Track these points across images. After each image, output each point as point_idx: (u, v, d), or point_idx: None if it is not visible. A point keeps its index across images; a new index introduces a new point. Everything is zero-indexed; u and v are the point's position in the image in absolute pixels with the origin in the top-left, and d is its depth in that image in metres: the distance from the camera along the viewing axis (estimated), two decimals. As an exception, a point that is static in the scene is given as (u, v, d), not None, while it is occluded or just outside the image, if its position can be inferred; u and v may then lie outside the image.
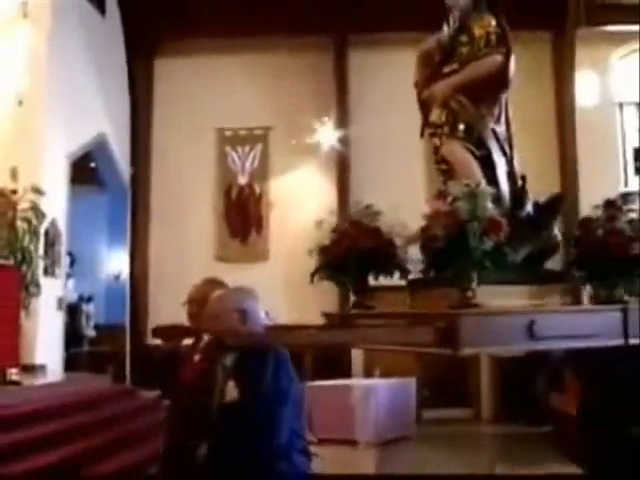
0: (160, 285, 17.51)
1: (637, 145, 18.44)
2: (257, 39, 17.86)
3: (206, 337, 5.03)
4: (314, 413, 13.24)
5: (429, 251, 5.37)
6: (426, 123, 6.80)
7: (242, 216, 18.23)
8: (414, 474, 9.39)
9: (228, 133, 18.54)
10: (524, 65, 17.46)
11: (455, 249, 5.08)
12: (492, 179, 6.19)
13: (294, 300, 15.46)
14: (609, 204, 6.05)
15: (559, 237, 6.16)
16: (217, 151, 18.50)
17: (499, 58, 6.47)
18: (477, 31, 6.53)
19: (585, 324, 5.42)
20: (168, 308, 16.26)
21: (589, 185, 16.93)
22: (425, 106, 6.83)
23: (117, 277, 18.24)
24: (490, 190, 5.54)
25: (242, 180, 18.43)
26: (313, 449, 4.59)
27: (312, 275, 6.52)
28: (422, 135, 6.88)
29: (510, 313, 5.27)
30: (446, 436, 13.55)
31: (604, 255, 5.73)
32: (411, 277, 6.48)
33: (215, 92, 18.12)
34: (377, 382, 14.32)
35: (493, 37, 6.47)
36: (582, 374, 7.49)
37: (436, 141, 6.59)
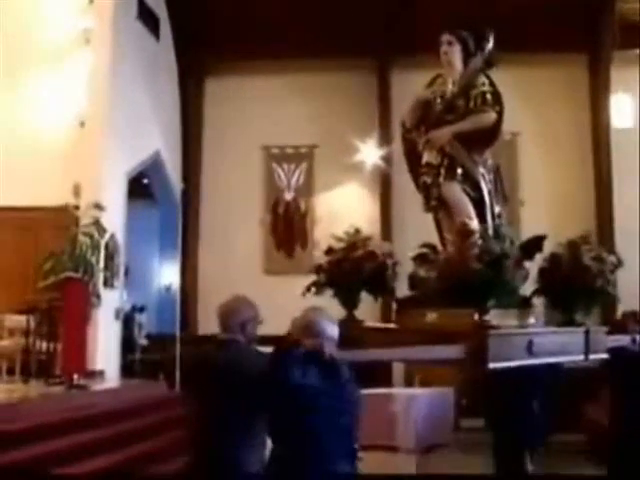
0: (209, 296, 18.12)
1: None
2: (303, 60, 18.56)
3: None
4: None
5: (456, 280, 6.08)
6: (413, 160, 7.67)
7: (288, 231, 18.93)
8: (450, 474, 9.93)
9: (275, 151, 19.25)
10: (561, 86, 18.26)
11: (491, 281, 5.85)
12: (482, 217, 7.07)
13: (337, 313, 16.01)
14: (572, 244, 6.96)
15: (528, 270, 6.92)
16: (264, 168, 19.21)
17: (494, 115, 7.29)
18: (473, 89, 7.35)
19: (563, 342, 6.55)
20: (216, 318, 16.95)
21: (623, 204, 17.46)
22: (410, 144, 7.76)
23: (168, 288, 18.95)
24: (510, 232, 6.42)
25: (288, 196, 19.13)
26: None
27: (307, 288, 7.25)
28: (411, 171, 7.66)
29: (518, 334, 6.23)
30: (481, 443, 14.02)
31: (570, 286, 6.69)
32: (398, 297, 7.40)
33: (262, 111, 18.80)
34: (418, 391, 14.82)
35: (489, 96, 7.29)
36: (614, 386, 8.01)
37: (427, 179, 7.36)
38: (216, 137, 19.12)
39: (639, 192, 17.83)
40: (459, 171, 7.22)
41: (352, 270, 7.11)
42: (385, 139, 18.19)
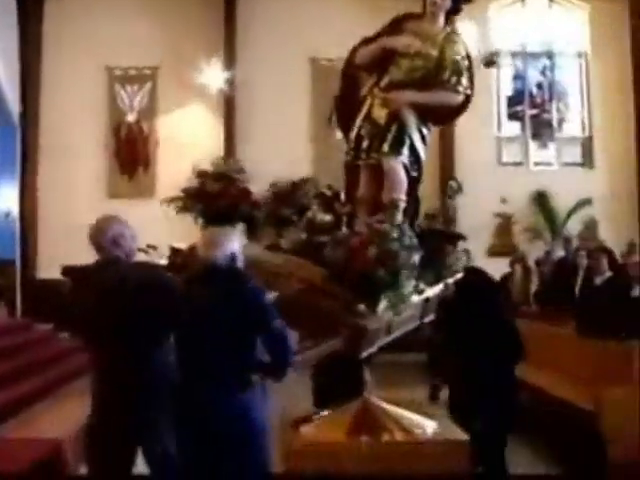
0: (50, 221, 17.78)
1: (510, 93, 19.40)
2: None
3: None
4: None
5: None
6: (348, 100, 7.17)
7: (130, 154, 18.56)
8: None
9: (117, 72, 18.73)
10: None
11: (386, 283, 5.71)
12: (414, 196, 6.87)
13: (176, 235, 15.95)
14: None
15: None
16: (107, 89, 18.69)
17: (462, 98, 6.81)
18: (449, 51, 6.76)
19: (411, 314, 6.39)
20: (58, 244, 16.66)
21: (465, 131, 17.76)
22: (350, 81, 7.20)
23: (7, 214, 18.42)
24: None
25: (131, 118, 18.72)
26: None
27: (170, 201, 6.96)
28: (339, 110, 7.26)
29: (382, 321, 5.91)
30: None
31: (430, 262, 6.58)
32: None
33: (105, 30, 18.15)
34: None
35: (465, 74, 6.78)
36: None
37: (363, 133, 6.85)
38: (56, 58, 18.40)
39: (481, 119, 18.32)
40: (407, 143, 6.74)
41: (228, 210, 6.80)
42: (230, 62, 17.97)
